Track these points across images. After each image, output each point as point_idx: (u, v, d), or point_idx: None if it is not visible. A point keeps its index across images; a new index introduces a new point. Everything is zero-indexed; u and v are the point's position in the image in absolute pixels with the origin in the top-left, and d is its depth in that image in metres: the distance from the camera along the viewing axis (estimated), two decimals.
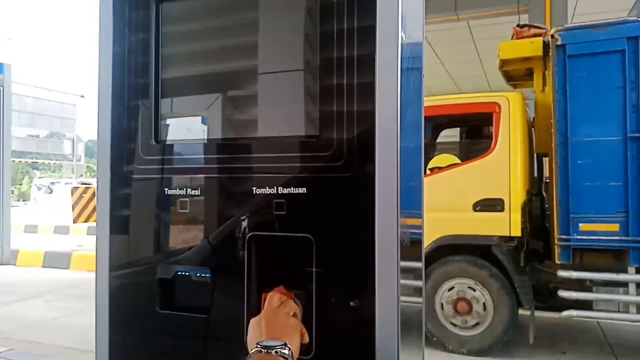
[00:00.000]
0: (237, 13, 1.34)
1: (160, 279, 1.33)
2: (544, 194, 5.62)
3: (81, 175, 23.18)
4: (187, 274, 1.32)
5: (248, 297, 1.23)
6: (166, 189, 1.33)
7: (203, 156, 1.32)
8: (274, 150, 1.22)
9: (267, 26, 1.29)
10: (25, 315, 6.99)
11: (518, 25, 5.53)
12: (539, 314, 5.19)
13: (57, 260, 10.77)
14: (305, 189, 1.19)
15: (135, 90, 1.39)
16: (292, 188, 1.20)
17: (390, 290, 1.11)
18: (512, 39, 5.48)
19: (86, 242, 13.28)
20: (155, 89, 1.37)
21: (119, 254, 1.38)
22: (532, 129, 5.47)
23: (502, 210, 4.93)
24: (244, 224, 1.25)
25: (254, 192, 1.24)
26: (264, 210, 1.23)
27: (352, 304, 1.14)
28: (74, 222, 17.00)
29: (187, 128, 1.36)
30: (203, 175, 1.31)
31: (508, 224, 4.89)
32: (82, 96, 27.35)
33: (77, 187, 18.12)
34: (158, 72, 1.37)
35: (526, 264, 5.02)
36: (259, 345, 0.99)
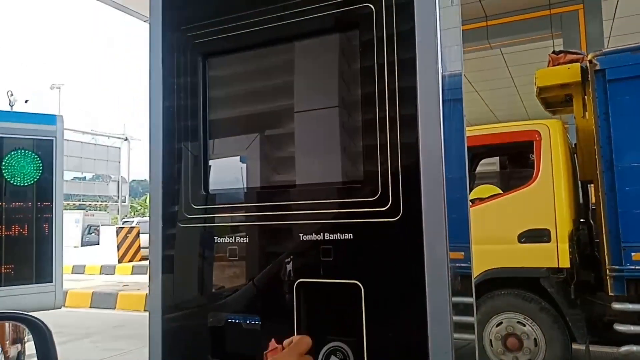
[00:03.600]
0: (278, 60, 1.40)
1: (211, 326, 1.35)
2: (592, 222, 5.44)
3: (125, 215, 23.83)
4: (237, 321, 1.34)
5: None
6: (216, 237, 1.37)
7: (248, 204, 1.35)
8: (320, 196, 1.25)
9: (305, 70, 1.34)
10: (73, 357, 7.14)
11: (554, 52, 5.49)
12: (594, 348, 4.95)
13: (104, 300, 11.01)
14: (351, 234, 1.20)
15: (185, 147, 1.45)
16: (338, 234, 1.21)
17: (444, 330, 1.09)
18: (548, 66, 5.43)
19: (130, 281, 13.55)
20: (204, 145, 1.42)
21: (170, 299, 1.41)
22: (575, 156, 5.34)
23: (548, 240, 4.79)
24: (291, 270, 1.27)
25: (301, 238, 1.26)
26: (310, 257, 1.24)
27: (404, 349, 1.13)
28: (119, 262, 17.43)
29: (234, 177, 1.40)
30: (249, 223, 1.34)
31: (556, 254, 4.74)
32: (126, 139, 28.39)
33: (122, 228, 18.64)
34: (206, 131, 1.43)
35: (577, 297, 4.83)
36: None
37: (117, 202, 24.13)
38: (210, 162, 1.43)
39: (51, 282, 3.39)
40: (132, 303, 10.70)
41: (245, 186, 1.38)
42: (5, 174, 3.35)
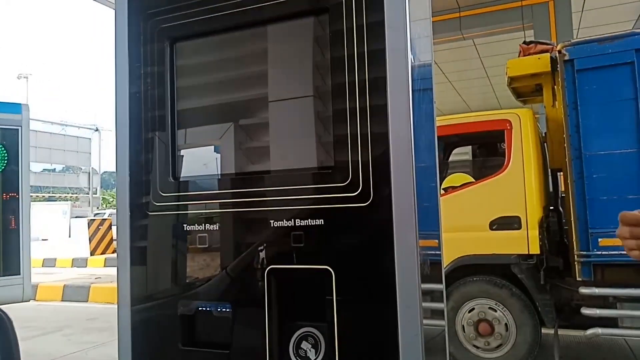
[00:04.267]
0: (247, 46, 1.38)
1: (181, 315, 1.34)
2: (561, 209, 5.57)
3: (97, 207, 23.41)
4: (207, 309, 1.32)
5: (269, 332, 1.23)
6: (185, 225, 1.35)
7: (219, 191, 1.34)
8: (291, 182, 1.24)
9: (276, 57, 1.32)
10: (44, 351, 7.01)
11: (524, 43, 5.56)
12: (563, 332, 5.09)
13: (76, 293, 10.83)
14: (322, 220, 1.20)
15: (152, 131, 1.42)
16: (309, 220, 1.21)
17: (413, 316, 1.10)
18: (518, 56, 5.51)
19: (103, 274, 13.36)
20: (172, 130, 1.40)
21: (139, 290, 1.39)
22: (545, 144, 5.44)
23: (519, 227, 4.89)
24: (263, 257, 1.26)
25: (272, 224, 1.25)
26: (282, 243, 1.24)
27: (375, 333, 1.14)
28: (91, 254, 17.13)
29: (203, 164, 1.38)
30: (220, 210, 1.32)
31: (526, 241, 4.84)
32: (97, 130, 27.82)
33: (93, 220, 18.30)
34: (174, 114, 1.40)
35: (546, 282, 4.94)
36: None
37: (87, 194, 23.66)
38: (180, 150, 1.40)
39: (19, 274, 3.31)
40: (105, 295, 10.54)
41: (216, 173, 1.36)
42: None
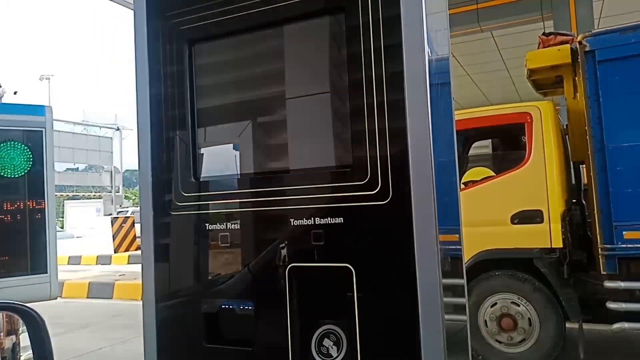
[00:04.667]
0: (264, 46, 1.39)
1: (205, 312, 1.36)
2: (584, 202, 5.48)
3: (120, 205, 23.80)
4: (230, 307, 1.35)
5: (291, 329, 1.25)
6: (207, 224, 1.38)
7: (239, 190, 1.36)
8: (311, 181, 1.25)
9: (293, 55, 1.33)
10: (72, 347, 7.16)
11: (544, 34, 5.47)
12: (588, 327, 5.02)
13: (101, 290, 11.03)
14: (342, 218, 1.21)
15: (173, 131, 1.44)
16: (329, 218, 1.22)
17: (435, 312, 1.11)
18: (538, 48, 5.42)
19: (127, 271, 13.59)
20: (192, 131, 1.42)
21: (164, 288, 1.42)
22: (566, 137, 5.36)
23: (541, 221, 4.82)
24: (284, 255, 1.27)
25: (292, 223, 1.26)
26: (302, 241, 1.25)
27: (396, 330, 1.14)
28: (115, 251, 17.43)
29: (223, 163, 1.40)
30: (240, 209, 1.34)
31: (549, 235, 4.77)
32: (118, 129, 28.24)
33: (116, 218, 18.60)
34: (194, 115, 1.43)
35: (570, 276, 4.87)
36: None
37: (110, 192, 24.08)
38: (200, 150, 1.43)
39: (46, 272, 3.40)
40: (129, 292, 10.71)
41: (236, 173, 1.38)
42: None
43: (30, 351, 1.67)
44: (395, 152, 1.16)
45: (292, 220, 1.26)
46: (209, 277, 1.39)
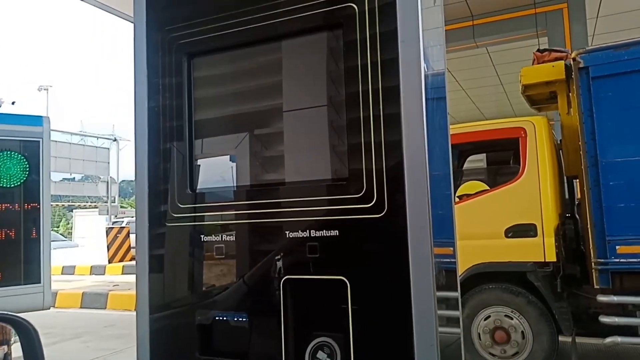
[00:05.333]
0: (262, 60, 1.41)
1: (198, 324, 1.37)
2: (577, 216, 5.51)
3: (115, 215, 23.70)
4: (224, 318, 1.35)
5: (285, 341, 1.25)
6: (202, 235, 1.38)
7: (235, 202, 1.37)
8: (306, 194, 1.26)
9: (291, 69, 1.36)
10: (63, 357, 7.10)
11: (538, 50, 5.54)
12: (581, 340, 5.02)
13: (94, 300, 10.95)
14: (337, 231, 1.22)
15: (170, 143, 1.46)
16: (324, 231, 1.23)
17: (429, 325, 1.12)
18: (532, 64, 5.48)
19: (121, 281, 13.51)
20: (189, 143, 1.44)
21: (158, 299, 1.42)
22: (560, 152, 5.41)
23: (535, 235, 4.85)
24: (279, 267, 1.28)
25: (287, 235, 1.27)
26: (297, 254, 1.26)
27: (390, 343, 1.15)
28: (109, 262, 17.32)
29: (219, 175, 1.42)
30: (236, 221, 1.35)
31: (542, 249, 4.80)
32: (115, 139, 28.21)
33: (112, 228, 18.51)
34: (191, 128, 1.44)
35: (563, 290, 4.89)
36: None
37: (106, 202, 24.02)
38: (197, 162, 1.44)
39: (39, 283, 3.38)
40: (122, 303, 10.64)
41: (232, 185, 1.39)
42: None
43: None
44: (391, 166, 1.18)
45: (287, 232, 1.27)
46: (204, 289, 1.40)
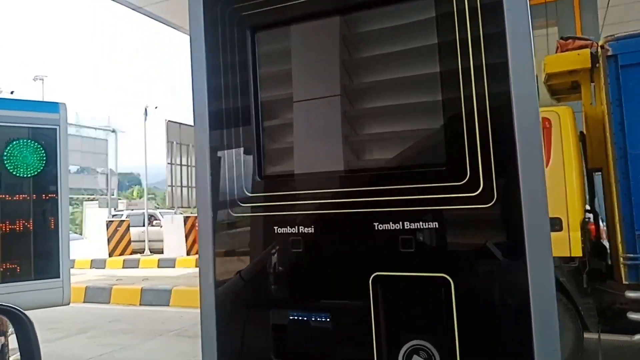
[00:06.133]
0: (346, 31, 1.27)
1: (273, 324, 1.24)
2: (597, 210, 5.40)
3: (114, 208, 23.51)
4: (303, 318, 1.22)
5: (377, 344, 1.13)
6: (275, 227, 1.25)
7: (314, 190, 1.23)
8: (399, 181, 1.13)
9: (378, 41, 1.22)
10: (71, 353, 6.99)
11: (562, 38, 5.41)
12: (606, 337, 4.92)
13: (97, 295, 10.83)
14: (436, 223, 1.09)
15: (235, 125, 1.32)
16: (420, 223, 1.10)
17: (551, 328, 0.99)
18: (556, 52, 5.35)
19: (123, 275, 13.38)
20: (257, 124, 1.30)
21: (225, 298, 1.29)
22: (583, 144, 5.28)
23: (560, 229, 4.73)
24: (366, 263, 1.15)
25: (376, 227, 1.14)
26: (388, 248, 1.13)
27: (504, 350, 1.03)
28: (110, 255, 17.18)
29: (295, 160, 1.28)
30: (316, 211, 1.22)
31: (568, 243, 4.68)
32: (113, 131, 27.95)
33: (112, 221, 18.36)
34: (258, 107, 1.31)
35: (588, 285, 4.78)
36: None
37: (104, 195, 23.80)
38: (267, 145, 1.30)
39: (58, 277, 3.24)
40: (126, 297, 10.52)
41: (310, 171, 1.25)
42: (7, 165, 3.18)
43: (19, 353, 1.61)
44: (500, 150, 1.04)
45: (376, 224, 1.14)
46: (278, 286, 1.26)
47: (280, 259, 1.25)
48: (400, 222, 1.12)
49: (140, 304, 10.29)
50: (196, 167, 1.36)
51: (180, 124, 18.64)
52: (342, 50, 1.24)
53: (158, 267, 15.51)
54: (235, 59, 1.34)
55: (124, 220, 18.74)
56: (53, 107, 3.40)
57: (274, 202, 1.26)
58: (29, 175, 3.25)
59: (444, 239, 1.09)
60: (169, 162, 17.78)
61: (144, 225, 18.93)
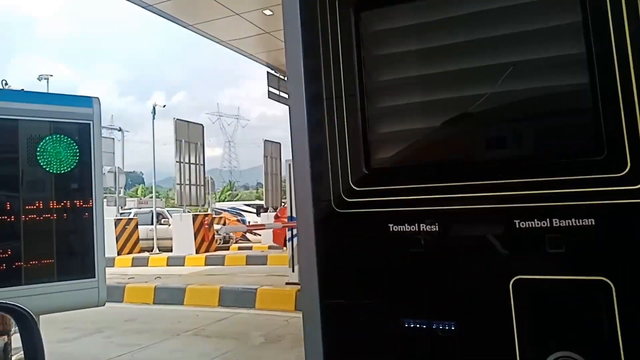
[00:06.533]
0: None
1: (386, 333, 1.11)
2: None
3: (122, 207, 23.45)
4: (422, 326, 1.09)
5: (516, 355, 1.00)
6: (390, 225, 1.12)
7: (437, 184, 1.10)
8: (545, 173, 1.00)
9: (514, 17, 1.09)
10: (89, 353, 6.89)
11: None
12: None
13: (110, 293, 10.71)
14: (592, 220, 0.96)
15: (337, 113, 1.19)
16: (573, 220, 0.97)
17: None
18: None
19: (133, 273, 13.29)
20: (362, 111, 1.17)
21: (331, 301, 1.16)
22: None
23: None
24: (505, 265, 1.02)
25: (517, 225, 1.01)
26: (532, 249, 1.00)
27: None
28: (118, 253, 17.09)
29: (410, 149, 1.15)
30: (440, 207, 1.09)
31: None
32: (120, 129, 27.89)
33: (120, 219, 18.27)
34: (363, 92, 1.18)
35: None
36: None
37: (112, 193, 23.71)
38: (375, 133, 1.17)
39: (94, 277, 3.12)
40: (140, 296, 10.40)
41: (430, 161, 1.12)
42: (40, 161, 3.06)
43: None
44: None
45: (517, 221, 1.01)
46: (393, 290, 1.13)
47: (394, 260, 1.12)
48: (547, 220, 0.99)
49: (154, 303, 10.18)
50: (293, 159, 1.24)
51: (189, 122, 18.53)
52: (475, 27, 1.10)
53: (167, 265, 15.41)
54: (338, 39, 1.21)
55: (132, 219, 18.64)
56: (86, 101, 3.28)
57: (385, 197, 1.13)
58: (63, 172, 3.13)
59: (602, 237, 0.96)
60: (178, 160, 17.67)
61: (151, 224, 18.84)
